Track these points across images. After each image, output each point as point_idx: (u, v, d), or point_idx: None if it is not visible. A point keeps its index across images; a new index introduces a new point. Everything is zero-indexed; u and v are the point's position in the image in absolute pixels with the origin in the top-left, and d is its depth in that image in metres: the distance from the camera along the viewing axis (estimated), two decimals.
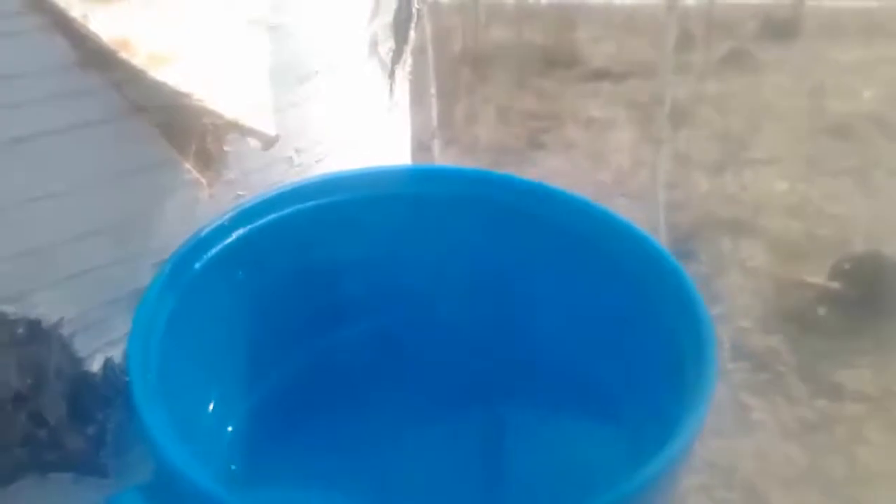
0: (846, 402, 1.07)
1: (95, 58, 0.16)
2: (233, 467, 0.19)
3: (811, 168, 1.55)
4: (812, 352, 1.15)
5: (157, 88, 0.17)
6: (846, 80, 1.81)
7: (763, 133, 1.66)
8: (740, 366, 1.13)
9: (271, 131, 0.19)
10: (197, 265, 0.18)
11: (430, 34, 1.30)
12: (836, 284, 1.23)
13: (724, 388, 1.07)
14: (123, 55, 0.16)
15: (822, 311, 1.21)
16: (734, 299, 1.22)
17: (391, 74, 0.28)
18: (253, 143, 0.20)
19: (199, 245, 0.18)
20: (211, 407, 0.19)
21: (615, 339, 0.22)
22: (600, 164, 1.60)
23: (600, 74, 1.98)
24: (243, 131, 0.19)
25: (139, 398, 0.14)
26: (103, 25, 0.16)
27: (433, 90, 1.32)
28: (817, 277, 1.25)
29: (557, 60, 2.03)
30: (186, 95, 0.17)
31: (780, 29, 2.06)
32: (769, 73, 1.88)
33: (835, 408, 1.06)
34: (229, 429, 0.20)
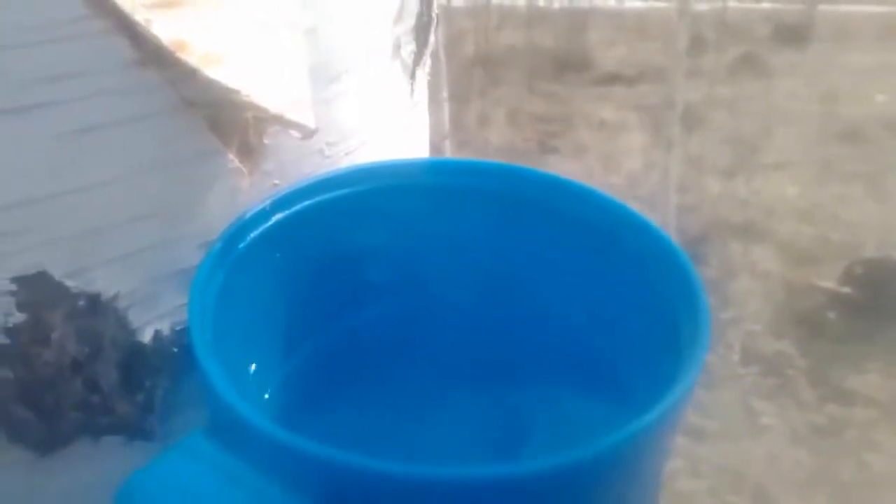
0: (856, 406, 1.07)
1: (154, 57, 0.18)
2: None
3: (823, 172, 1.55)
4: (822, 356, 1.15)
5: (209, 85, 0.19)
6: (858, 84, 1.81)
7: (775, 137, 1.66)
8: (750, 370, 1.13)
9: (311, 124, 0.21)
10: (241, 245, 0.20)
11: (442, 38, 1.32)
12: (847, 289, 1.23)
13: (733, 393, 1.07)
14: (181, 55, 0.18)
15: (832, 315, 1.21)
16: (744, 303, 1.23)
17: (412, 75, 0.29)
18: (294, 134, 0.21)
19: (244, 227, 0.20)
20: (251, 373, 0.21)
21: (622, 323, 0.23)
22: (611, 167, 1.61)
23: (612, 78, 1.99)
24: (286, 124, 0.21)
25: (200, 351, 0.16)
26: (164, 28, 0.18)
27: (445, 93, 1.33)
28: (828, 282, 1.25)
29: (569, 64, 2.04)
30: (236, 91, 0.19)
31: (793, 33, 2.06)
32: (781, 77, 1.88)
33: (844, 412, 1.06)
34: (266, 395, 0.21)
